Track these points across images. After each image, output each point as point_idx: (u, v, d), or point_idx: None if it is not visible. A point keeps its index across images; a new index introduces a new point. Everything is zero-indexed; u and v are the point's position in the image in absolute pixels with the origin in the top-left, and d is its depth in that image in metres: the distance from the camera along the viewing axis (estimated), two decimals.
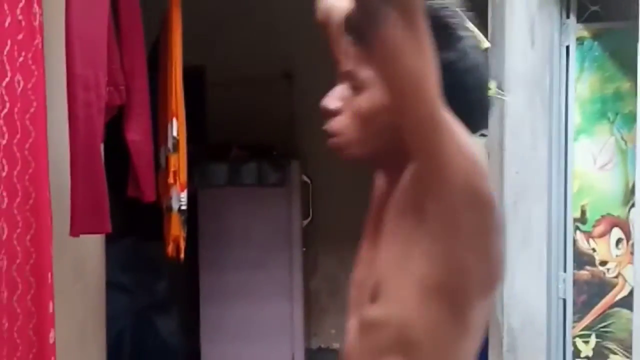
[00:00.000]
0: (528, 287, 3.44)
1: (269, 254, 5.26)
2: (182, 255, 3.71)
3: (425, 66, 1.25)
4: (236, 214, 5.24)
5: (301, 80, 5.72)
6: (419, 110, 1.26)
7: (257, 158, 5.30)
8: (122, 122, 3.12)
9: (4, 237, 2.07)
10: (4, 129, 2.06)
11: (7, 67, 2.06)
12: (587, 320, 3.40)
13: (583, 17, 3.37)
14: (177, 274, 4.99)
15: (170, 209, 3.63)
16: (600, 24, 3.36)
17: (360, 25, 1.35)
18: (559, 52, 3.41)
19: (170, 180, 3.56)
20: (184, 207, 3.61)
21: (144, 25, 3.22)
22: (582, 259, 3.39)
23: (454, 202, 1.30)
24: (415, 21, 1.23)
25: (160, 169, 3.65)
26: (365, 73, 1.40)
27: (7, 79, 2.06)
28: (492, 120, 3.57)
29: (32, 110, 2.15)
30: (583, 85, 3.36)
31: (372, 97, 1.40)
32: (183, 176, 3.58)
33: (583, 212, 3.38)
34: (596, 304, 3.38)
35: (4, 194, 2.06)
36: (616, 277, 3.34)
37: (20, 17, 2.10)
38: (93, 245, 3.19)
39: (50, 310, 2.21)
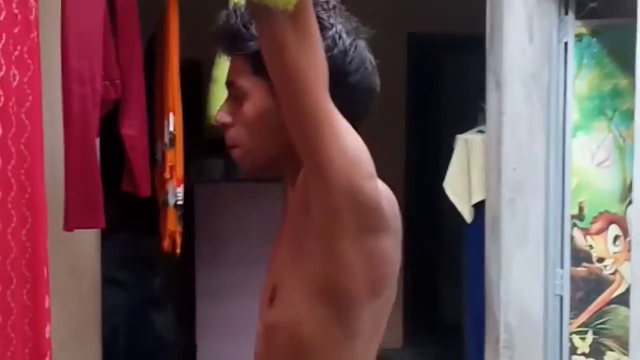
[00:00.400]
0: (525, 284, 3.45)
1: (266, 249, 5.23)
2: (178, 251, 3.71)
3: (309, 61, 1.22)
4: (233, 209, 5.23)
5: None
6: (301, 106, 1.24)
7: None
8: (118, 116, 3.11)
9: None
10: None
11: (3, 61, 2.05)
12: (584, 317, 3.40)
13: (581, 14, 3.36)
14: (173, 270, 4.99)
15: (166, 204, 3.63)
16: (598, 20, 3.35)
17: (232, 33, 1.40)
18: (557, 49, 3.40)
19: (167, 175, 3.55)
20: (180, 202, 3.60)
21: (141, 18, 3.20)
22: (579, 256, 3.39)
23: (335, 203, 1.29)
24: (300, 16, 1.19)
25: (156, 163, 3.65)
26: (243, 82, 1.42)
27: (3, 73, 2.05)
28: (490, 116, 3.58)
29: (27, 104, 2.14)
30: (581, 82, 3.36)
31: (254, 103, 1.42)
32: (179, 171, 3.57)
33: (580, 209, 3.37)
34: (593, 300, 3.38)
35: None
36: (613, 274, 3.34)
37: (16, 11, 2.09)
38: (88, 241, 3.20)
39: (46, 305, 2.20)
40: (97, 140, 2.76)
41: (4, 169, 2.07)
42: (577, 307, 3.41)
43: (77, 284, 3.11)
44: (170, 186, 3.58)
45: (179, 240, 3.68)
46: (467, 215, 4.24)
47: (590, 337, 3.39)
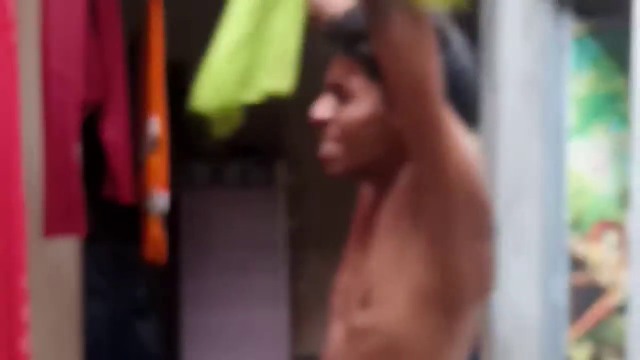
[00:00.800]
0: (521, 292, 3.41)
1: (254, 257, 5.22)
2: (162, 259, 3.66)
3: (430, 66, 1.27)
4: (220, 216, 5.21)
5: None
6: (423, 109, 1.28)
7: (241, 158, 5.23)
8: (99, 120, 3.08)
9: None
10: None
11: None
12: (581, 326, 3.38)
13: (579, 14, 3.35)
14: (157, 279, 4.96)
15: (149, 210, 3.57)
16: (596, 20, 3.35)
17: (351, 26, 1.42)
18: (554, 49, 3.38)
19: (151, 180, 3.50)
20: (164, 209, 3.55)
21: (123, 19, 3.17)
22: (576, 263, 3.38)
23: (452, 205, 1.33)
24: (421, 21, 1.25)
25: (140, 168, 3.59)
26: (353, 84, 1.44)
27: None
28: (486, 118, 3.55)
29: (5, 107, 2.11)
30: (578, 84, 3.35)
31: (365, 107, 1.43)
32: (164, 176, 3.52)
33: (577, 215, 3.36)
34: (590, 309, 3.37)
35: None
36: (611, 281, 3.33)
37: None
38: (69, 248, 3.16)
39: (24, 317, 2.15)
40: (79, 145, 2.74)
41: None
42: (574, 315, 3.39)
43: (57, 294, 3.10)
44: (154, 192, 3.53)
45: (163, 248, 3.63)
46: None
47: (587, 346, 3.38)
